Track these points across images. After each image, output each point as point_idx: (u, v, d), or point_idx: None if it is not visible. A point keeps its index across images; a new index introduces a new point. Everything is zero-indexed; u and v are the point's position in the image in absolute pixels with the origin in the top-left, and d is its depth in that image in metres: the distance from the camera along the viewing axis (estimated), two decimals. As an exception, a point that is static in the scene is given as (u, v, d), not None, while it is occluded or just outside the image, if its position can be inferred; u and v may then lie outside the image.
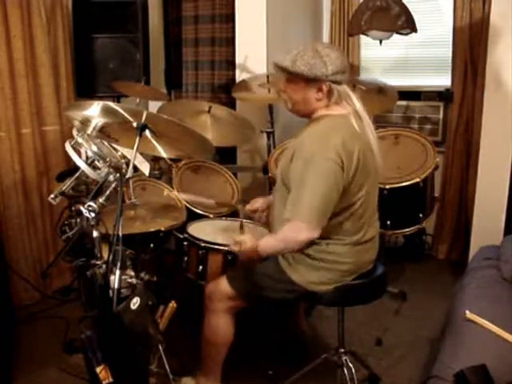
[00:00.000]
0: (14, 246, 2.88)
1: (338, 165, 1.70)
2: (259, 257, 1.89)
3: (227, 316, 2.00)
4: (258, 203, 2.23)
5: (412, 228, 2.77)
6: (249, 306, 2.01)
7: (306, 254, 1.86)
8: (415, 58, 3.71)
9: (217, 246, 2.18)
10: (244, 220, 2.40)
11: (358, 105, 1.82)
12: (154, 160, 2.95)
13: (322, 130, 1.78)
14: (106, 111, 1.71)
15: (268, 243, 1.87)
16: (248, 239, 1.92)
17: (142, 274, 1.82)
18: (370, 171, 1.82)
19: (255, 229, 2.38)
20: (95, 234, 1.69)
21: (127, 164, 1.76)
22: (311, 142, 1.76)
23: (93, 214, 1.66)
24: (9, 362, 2.31)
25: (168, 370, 1.96)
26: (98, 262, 1.70)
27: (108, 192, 1.72)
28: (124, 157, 1.90)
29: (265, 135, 3.30)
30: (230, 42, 3.65)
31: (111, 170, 1.73)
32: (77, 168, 1.78)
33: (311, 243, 1.82)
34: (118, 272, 1.56)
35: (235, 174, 3.19)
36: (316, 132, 1.79)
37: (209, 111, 2.88)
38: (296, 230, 1.75)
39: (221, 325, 2.00)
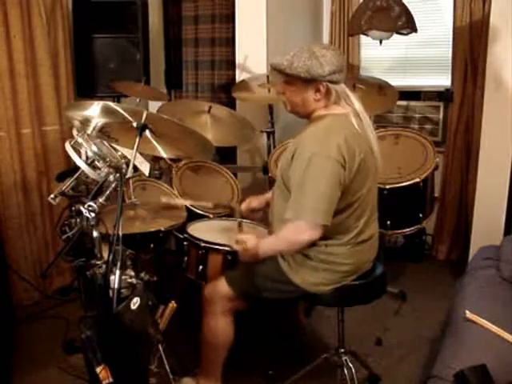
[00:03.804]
0: (13, 246, 2.88)
1: (341, 164, 1.69)
2: (260, 256, 1.88)
3: (226, 318, 2.00)
4: (254, 202, 2.22)
5: (412, 228, 2.77)
6: (248, 306, 2.01)
7: (306, 256, 1.86)
8: (415, 57, 3.71)
9: (217, 246, 2.18)
10: (244, 220, 2.39)
11: (358, 105, 1.82)
12: (154, 160, 2.95)
13: (323, 129, 1.78)
14: (106, 111, 1.72)
15: (269, 243, 1.88)
16: (250, 238, 1.91)
17: (142, 274, 1.82)
18: (370, 170, 1.82)
19: (255, 228, 2.38)
20: (95, 234, 1.69)
21: (127, 164, 1.75)
22: (312, 142, 1.75)
23: (93, 214, 1.66)
24: (9, 362, 2.31)
25: (168, 369, 1.96)
26: (98, 262, 1.70)
27: (108, 192, 1.72)
28: (124, 157, 1.89)
29: (265, 135, 3.30)
30: (230, 42, 3.66)
31: (111, 170, 1.73)
32: (77, 168, 1.78)
33: (311, 245, 1.82)
34: (117, 272, 1.56)
35: (235, 174, 3.19)
36: (317, 131, 1.78)
37: (209, 111, 2.88)
38: (299, 230, 1.74)
39: (220, 327, 1.99)
